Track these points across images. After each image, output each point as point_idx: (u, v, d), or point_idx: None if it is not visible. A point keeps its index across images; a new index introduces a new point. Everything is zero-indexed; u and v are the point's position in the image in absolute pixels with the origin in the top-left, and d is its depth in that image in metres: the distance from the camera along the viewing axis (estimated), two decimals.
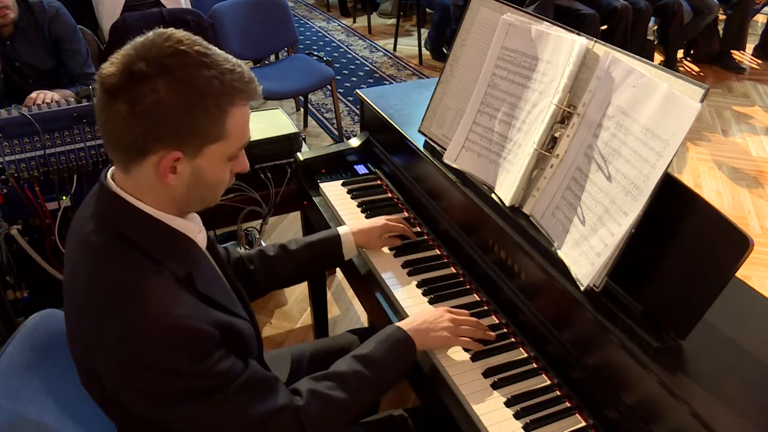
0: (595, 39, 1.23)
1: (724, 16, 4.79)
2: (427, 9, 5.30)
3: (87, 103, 1.96)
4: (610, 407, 1.06)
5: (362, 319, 2.40)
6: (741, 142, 3.79)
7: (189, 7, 3.39)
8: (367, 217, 1.61)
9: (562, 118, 1.23)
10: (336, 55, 5.16)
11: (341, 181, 1.77)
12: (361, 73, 4.80)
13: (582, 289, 1.09)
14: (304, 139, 2.43)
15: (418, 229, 1.58)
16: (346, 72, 4.82)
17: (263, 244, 2.30)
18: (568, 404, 1.12)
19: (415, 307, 1.33)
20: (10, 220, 1.92)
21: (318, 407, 1.02)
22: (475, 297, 1.37)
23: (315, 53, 3.72)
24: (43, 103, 2.17)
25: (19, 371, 1.03)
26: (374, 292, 1.42)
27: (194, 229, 1.00)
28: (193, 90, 0.86)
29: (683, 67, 4.84)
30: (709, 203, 0.98)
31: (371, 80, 4.69)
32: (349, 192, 1.72)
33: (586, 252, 1.10)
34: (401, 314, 1.32)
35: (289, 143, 2.12)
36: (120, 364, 0.87)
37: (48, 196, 1.94)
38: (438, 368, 1.20)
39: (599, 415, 1.08)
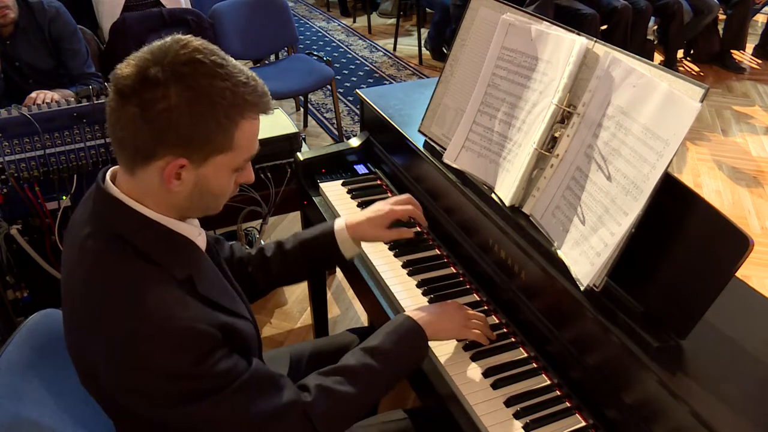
0: (595, 39, 1.23)
1: (724, 16, 4.79)
2: (427, 9, 5.29)
3: (87, 103, 1.96)
4: (610, 407, 1.06)
5: (362, 318, 2.40)
6: (741, 142, 3.79)
7: (189, 7, 3.39)
8: None
9: (562, 117, 1.23)
10: (336, 55, 5.16)
11: (341, 181, 1.77)
12: (361, 73, 4.80)
13: (582, 288, 1.09)
14: (304, 139, 2.43)
15: (418, 229, 1.58)
16: (346, 72, 4.82)
17: (263, 243, 2.30)
18: (568, 404, 1.12)
19: (415, 307, 1.32)
20: (10, 220, 1.92)
21: (327, 403, 1.01)
22: (475, 297, 1.37)
23: (315, 53, 3.72)
24: (43, 103, 2.17)
25: (19, 371, 1.03)
26: (374, 292, 1.42)
27: (194, 231, 1.00)
28: (204, 99, 0.86)
29: (683, 67, 4.84)
30: (709, 203, 0.98)
31: (371, 80, 4.69)
32: (349, 192, 1.72)
33: (586, 252, 1.10)
34: (399, 311, 1.32)
35: (289, 143, 2.12)
36: (120, 367, 0.87)
37: (48, 196, 1.94)
38: (438, 368, 1.20)
39: (599, 415, 1.08)
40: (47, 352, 1.08)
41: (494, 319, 1.31)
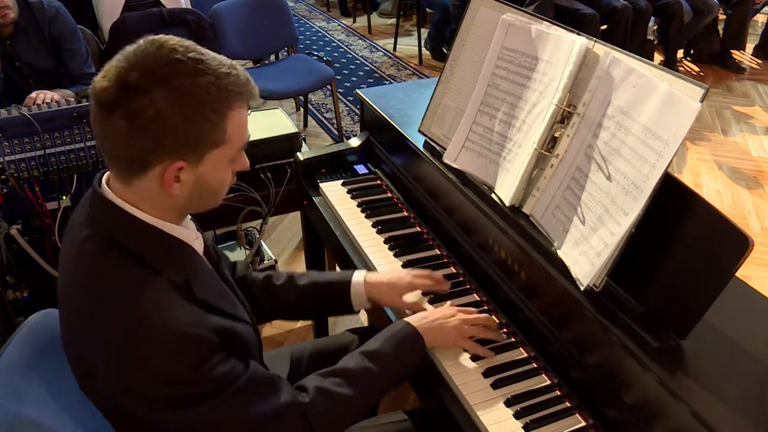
0: (595, 39, 1.23)
1: (724, 16, 4.79)
2: (427, 9, 5.29)
3: (87, 103, 1.96)
4: (610, 407, 1.06)
5: (362, 318, 2.40)
6: (741, 142, 3.79)
7: (189, 7, 3.39)
8: (366, 217, 1.61)
9: (562, 117, 1.23)
10: (336, 55, 5.16)
11: (341, 181, 1.77)
12: (361, 73, 4.80)
13: (582, 288, 1.09)
14: (304, 139, 2.43)
15: (418, 229, 1.58)
16: (346, 72, 4.82)
17: (263, 243, 2.29)
18: (568, 404, 1.12)
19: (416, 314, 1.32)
20: (10, 220, 1.92)
21: (325, 404, 1.01)
22: (475, 297, 1.37)
23: (315, 53, 3.72)
24: (43, 103, 2.17)
25: (19, 371, 1.03)
26: None
27: (191, 235, 1.00)
28: (191, 98, 0.86)
29: (683, 67, 4.84)
30: (709, 203, 0.98)
31: (371, 80, 4.69)
32: (349, 192, 1.72)
33: (586, 252, 1.10)
34: (401, 313, 1.32)
35: (289, 143, 2.12)
36: (118, 370, 0.87)
37: (48, 196, 1.93)
38: (438, 368, 1.20)
39: (599, 415, 1.08)
40: (47, 352, 1.08)
41: (494, 319, 1.31)
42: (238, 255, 2.47)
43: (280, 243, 2.84)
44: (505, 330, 1.27)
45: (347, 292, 1.29)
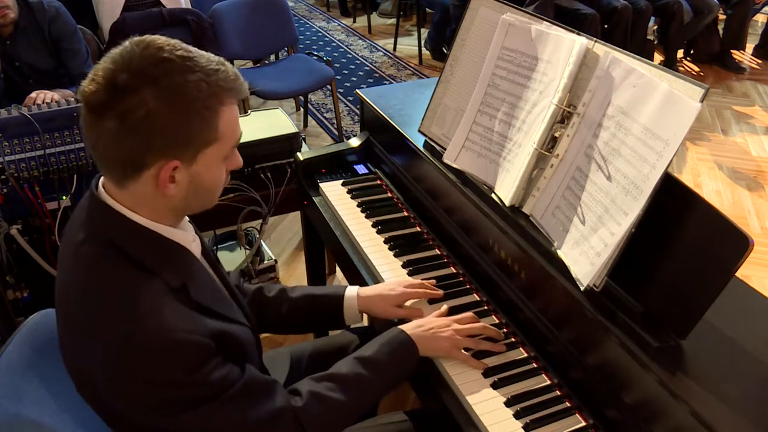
0: (595, 39, 1.23)
1: (724, 16, 4.79)
2: (427, 9, 5.29)
3: None
4: (610, 407, 1.06)
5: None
6: (741, 142, 3.79)
7: (189, 7, 3.39)
8: (366, 217, 1.61)
9: (562, 117, 1.23)
10: (336, 55, 5.16)
11: (341, 181, 1.77)
12: (361, 73, 4.80)
13: (582, 288, 1.09)
14: (304, 139, 2.43)
15: (418, 229, 1.58)
16: (346, 72, 4.82)
17: (263, 243, 2.29)
18: (568, 404, 1.12)
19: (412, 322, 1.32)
20: (10, 220, 1.92)
21: (318, 409, 1.02)
22: (475, 297, 1.37)
23: (315, 53, 3.72)
24: (43, 103, 2.17)
25: (19, 371, 1.03)
26: None
27: (188, 238, 0.99)
28: (181, 96, 0.85)
29: (683, 67, 4.84)
30: (709, 203, 0.98)
31: (371, 80, 4.69)
32: (349, 192, 1.72)
33: (586, 252, 1.10)
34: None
35: (289, 143, 2.12)
36: (114, 376, 0.87)
37: (48, 196, 1.93)
38: (438, 368, 1.20)
39: (599, 415, 1.08)
40: (47, 352, 1.08)
41: (494, 319, 1.31)
42: (238, 255, 2.47)
43: (280, 243, 2.84)
44: (505, 330, 1.27)
45: (340, 306, 1.29)
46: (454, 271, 1.45)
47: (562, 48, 1.26)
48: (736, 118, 4.08)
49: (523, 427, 1.07)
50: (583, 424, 1.08)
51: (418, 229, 1.59)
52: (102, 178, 0.95)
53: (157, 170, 0.88)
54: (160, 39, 0.88)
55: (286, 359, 1.40)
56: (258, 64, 3.96)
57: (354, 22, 5.99)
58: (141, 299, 0.87)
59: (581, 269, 1.10)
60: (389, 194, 1.73)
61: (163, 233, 0.95)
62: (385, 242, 1.53)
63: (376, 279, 1.44)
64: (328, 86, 3.61)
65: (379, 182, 1.78)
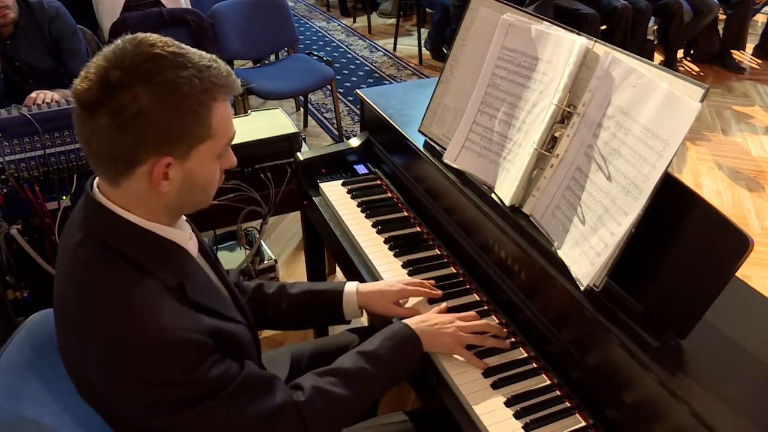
0: (595, 39, 1.23)
1: (724, 16, 4.79)
2: (427, 9, 5.29)
3: None
4: (610, 407, 1.06)
5: (362, 318, 2.40)
6: (741, 142, 3.79)
7: (189, 7, 3.39)
8: (366, 217, 1.61)
9: (562, 117, 1.23)
10: (336, 55, 5.16)
11: (341, 181, 1.77)
12: (361, 73, 4.80)
13: (582, 288, 1.09)
14: (304, 139, 2.43)
15: (418, 229, 1.58)
16: (346, 72, 4.82)
17: (263, 243, 2.29)
18: (568, 404, 1.12)
19: (416, 317, 1.32)
20: (10, 220, 1.92)
21: (320, 403, 1.01)
22: (475, 297, 1.37)
23: (315, 53, 3.72)
24: (43, 103, 2.17)
25: (19, 371, 1.03)
26: None
27: (184, 236, 0.99)
28: (174, 92, 0.85)
29: (683, 67, 4.84)
30: (709, 203, 0.98)
31: (371, 80, 4.69)
32: (349, 192, 1.72)
33: (586, 252, 1.10)
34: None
35: (289, 143, 2.12)
36: (112, 376, 0.87)
37: (48, 196, 1.94)
38: (438, 368, 1.20)
39: (599, 415, 1.08)
40: (47, 352, 1.08)
41: (494, 319, 1.31)
42: (238, 255, 2.47)
43: (280, 243, 2.84)
44: (505, 330, 1.27)
45: (339, 301, 1.28)
46: (454, 271, 1.45)
47: (562, 48, 1.26)
48: (736, 118, 4.08)
49: (523, 427, 1.07)
50: (583, 424, 1.08)
51: (418, 229, 1.59)
52: (96, 179, 0.95)
53: (150, 167, 0.88)
54: (152, 36, 0.88)
55: (287, 359, 1.40)
56: (258, 64, 3.96)
57: (354, 22, 5.99)
58: (137, 300, 0.86)
59: (581, 269, 1.10)
60: (389, 194, 1.73)
61: (158, 232, 0.94)
62: (385, 242, 1.53)
63: (376, 279, 1.44)
64: (328, 86, 3.61)
65: (379, 182, 1.78)
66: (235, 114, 2.95)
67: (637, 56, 1.13)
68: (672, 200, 1.02)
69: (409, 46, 5.29)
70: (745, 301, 1.13)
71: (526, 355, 1.22)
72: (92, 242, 0.91)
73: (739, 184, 3.36)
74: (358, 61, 5.02)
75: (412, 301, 1.33)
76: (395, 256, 1.49)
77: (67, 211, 1.94)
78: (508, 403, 1.11)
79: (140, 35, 0.88)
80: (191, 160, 0.90)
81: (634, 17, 4.13)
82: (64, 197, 1.94)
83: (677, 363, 0.97)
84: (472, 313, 1.26)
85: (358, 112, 2.85)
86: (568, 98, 1.23)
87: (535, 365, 1.20)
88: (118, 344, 0.85)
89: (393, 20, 5.69)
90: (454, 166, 1.45)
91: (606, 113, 1.14)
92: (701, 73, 4.73)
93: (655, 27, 4.71)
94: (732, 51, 4.81)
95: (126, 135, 0.85)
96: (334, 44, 5.43)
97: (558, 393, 1.14)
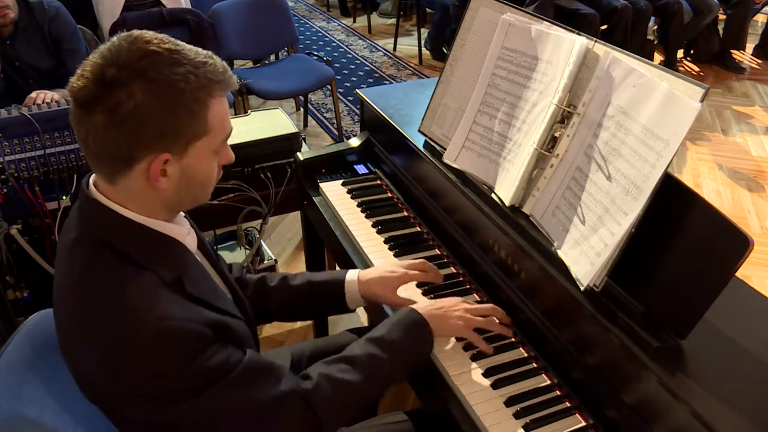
0: (595, 39, 1.23)
1: (724, 16, 4.79)
2: (427, 9, 5.30)
3: None
4: (610, 407, 1.06)
5: (362, 318, 2.40)
6: (741, 142, 3.79)
7: (189, 7, 3.39)
8: (366, 217, 1.61)
9: (562, 117, 1.23)
10: (336, 55, 5.16)
11: (341, 181, 1.77)
12: (361, 73, 4.80)
13: (582, 288, 1.09)
14: (304, 139, 2.43)
15: (418, 229, 1.58)
16: (346, 72, 4.82)
17: (263, 243, 2.29)
18: (568, 404, 1.12)
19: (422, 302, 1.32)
20: (10, 220, 1.92)
21: (330, 390, 1.00)
22: (475, 297, 1.37)
23: (315, 53, 3.72)
24: (43, 102, 2.17)
25: (19, 371, 1.03)
26: None
27: (182, 231, 0.99)
28: (170, 88, 0.85)
29: (683, 67, 4.84)
30: (709, 203, 0.98)
31: (371, 80, 4.69)
32: (349, 192, 1.72)
33: (586, 252, 1.10)
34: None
35: (289, 143, 2.12)
36: (113, 372, 0.86)
37: (48, 196, 1.94)
38: (438, 368, 1.20)
39: (599, 415, 1.08)
40: (47, 352, 1.08)
41: (494, 319, 1.30)
42: (238, 255, 2.47)
43: (280, 243, 2.85)
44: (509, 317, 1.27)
45: (341, 291, 1.28)
46: (455, 271, 1.45)
47: (562, 48, 1.26)
48: (736, 118, 4.08)
49: (523, 427, 1.07)
50: (583, 424, 1.08)
51: (418, 229, 1.59)
52: (93, 176, 0.95)
53: (147, 164, 0.88)
54: (147, 33, 0.88)
55: (287, 359, 1.40)
56: (258, 64, 3.96)
57: (354, 22, 5.99)
58: (135, 295, 0.86)
59: (581, 269, 1.10)
60: (389, 194, 1.73)
61: (155, 227, 0.94)
62: (385, 242, 1.53)
63: None
64: (328, 86, 3.61)
65: (379, 182, 1.78)
66: (235, 114, 2.95)
67: (637, 56, 1.13)
68: (672, 200, 1.02)
69: (409, 46, 5.29)
70: (745, 301, 1.13)
71: (526, 355, 1.22)
72: (89, 240, 0.91)
73: (739, 184, 3.36)
74: (358, 61, 5.02)
75: (410, 296, 1.32)
76: (395, 256, 1.49)
77: (67, 211, 1.94)
78: (508, 403, 1.11)
79: (136, 32, 0.88)
80: (188, 156, 0.90)
81: (634, 17, 4.13)
82: (64, 197, 1.94)
83: (677, 363, 0.97)
84: (475, 299, 1.25)
85: (358, 112, 2.85)
86: (568, 98, 1.23)
87: (535, 365, 1.20)
88: (118, 340, 0.85)
89: (393, 20, 5.69)
90: (454, 166, 1.45)
91: (606, 113, 1.14)
92: (701, 73, 4.73)
93: (655, 27, 4.72)
94: (732, 51, 4.81)
95: (122, 132, 0.85)
96: (334, 44, 5.43)
97: (558, 393, 1.14)
